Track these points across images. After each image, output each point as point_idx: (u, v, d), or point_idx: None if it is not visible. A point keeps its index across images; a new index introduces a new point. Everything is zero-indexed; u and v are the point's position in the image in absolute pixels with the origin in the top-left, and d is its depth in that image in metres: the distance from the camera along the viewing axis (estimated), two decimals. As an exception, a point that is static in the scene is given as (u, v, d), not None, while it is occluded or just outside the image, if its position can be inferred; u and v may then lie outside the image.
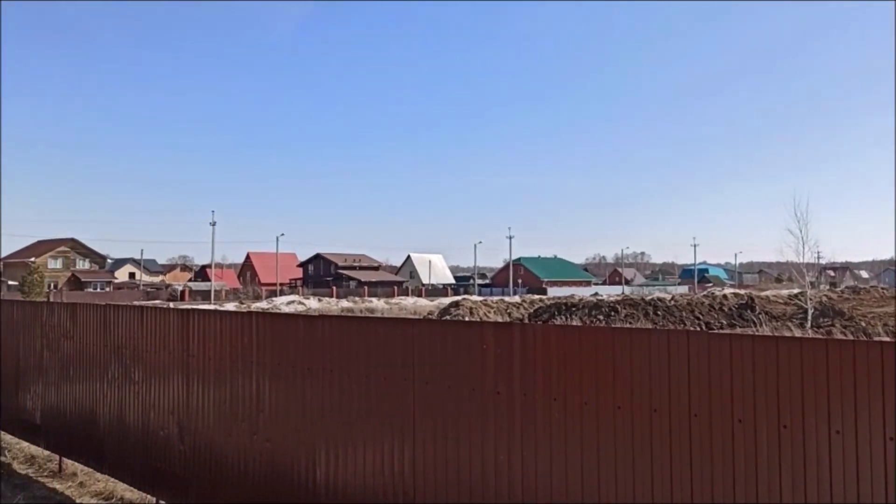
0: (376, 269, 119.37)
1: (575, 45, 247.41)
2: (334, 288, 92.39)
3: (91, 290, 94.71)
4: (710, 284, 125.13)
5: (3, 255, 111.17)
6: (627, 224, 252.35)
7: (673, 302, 38.85)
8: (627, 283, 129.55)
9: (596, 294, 71.87)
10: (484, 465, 4.77)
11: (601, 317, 35.11)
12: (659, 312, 35.91)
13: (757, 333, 7.08)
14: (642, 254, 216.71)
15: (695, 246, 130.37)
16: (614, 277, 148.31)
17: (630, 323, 32.91)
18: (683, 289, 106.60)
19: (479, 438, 4.82)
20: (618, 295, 59.14)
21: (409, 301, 79.50)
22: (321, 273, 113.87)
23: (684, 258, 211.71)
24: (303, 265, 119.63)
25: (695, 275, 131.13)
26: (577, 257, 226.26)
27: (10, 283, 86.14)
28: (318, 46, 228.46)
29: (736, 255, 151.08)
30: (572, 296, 58.91)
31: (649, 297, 41.62)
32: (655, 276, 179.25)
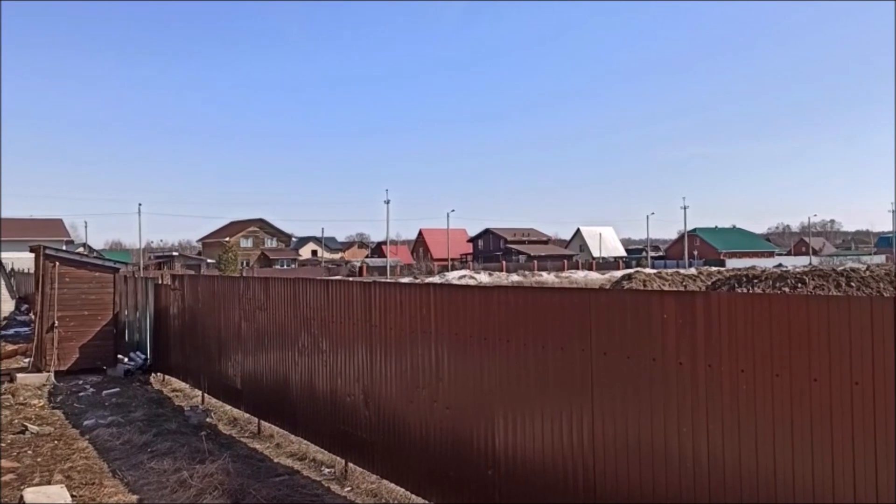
0: (545, 242, 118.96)
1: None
2: (504, 262, 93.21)
3: (278, 266, 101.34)
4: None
5: (202, 235, 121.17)
6: (813, 190, 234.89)
7: (868, 272, 35.74)
8: (815, 253, 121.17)
9: (780, 265, 67.86)
10: (667, 438, 4.65)
11: (786, 289, 33.01)
12: (852, 284, 33.20)
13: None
14: (831, 222, 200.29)
15: (893, 211, 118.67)
16: (800, 248, 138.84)
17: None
18: (880, 258, 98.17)
19: (660, 410, 4.70)
20: (804, 266, 55.44)
21: (580, 275, 78.83)
22: (490, 248, 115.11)
23: (881, 225, 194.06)
24: (472, 240, 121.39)
25: (893, 243, 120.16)
26: (758, 227, 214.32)
27: (209, 261, 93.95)
28: (487, 30, 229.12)
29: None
30: (753, 267, 55.68)
31: (841, 268, 38.63)
32: (847, 245, 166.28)
